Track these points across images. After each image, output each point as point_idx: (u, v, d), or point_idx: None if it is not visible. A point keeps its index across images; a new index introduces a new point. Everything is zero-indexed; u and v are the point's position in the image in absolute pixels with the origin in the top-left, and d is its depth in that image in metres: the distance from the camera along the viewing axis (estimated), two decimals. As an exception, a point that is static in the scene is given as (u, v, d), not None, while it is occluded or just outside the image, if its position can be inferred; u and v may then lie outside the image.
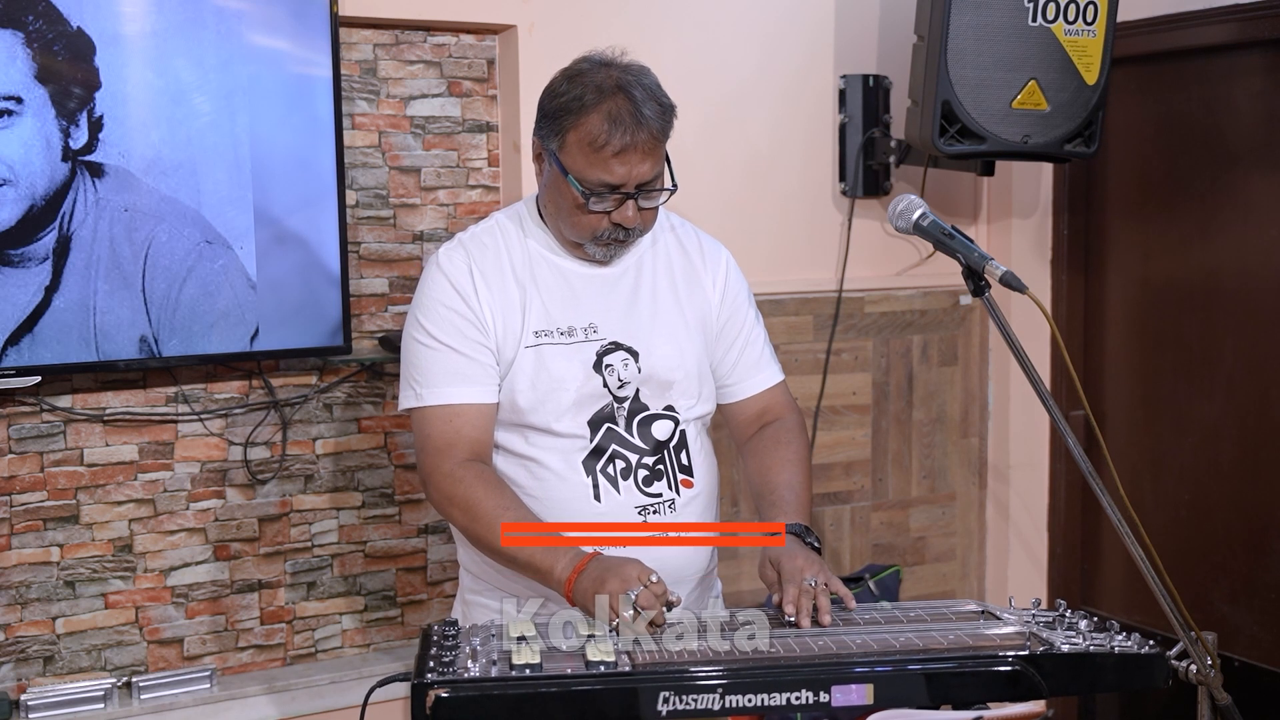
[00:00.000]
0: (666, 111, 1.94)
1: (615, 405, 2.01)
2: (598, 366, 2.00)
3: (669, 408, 2.05)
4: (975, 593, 3.57)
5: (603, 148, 1.88)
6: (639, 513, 2.00)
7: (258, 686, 2.74)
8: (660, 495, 2.02)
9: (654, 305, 2.07)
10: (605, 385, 2.00)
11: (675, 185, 1.99)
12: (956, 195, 3.46)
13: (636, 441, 2.02)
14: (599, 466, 1.99)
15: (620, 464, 2.00)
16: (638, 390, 2.03)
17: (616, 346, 2.02)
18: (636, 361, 2.02)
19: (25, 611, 2.60)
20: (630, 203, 1.93)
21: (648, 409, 2.03)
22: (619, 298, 2.05)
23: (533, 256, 2.03)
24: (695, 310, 2.11)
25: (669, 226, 2.14)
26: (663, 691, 1.57)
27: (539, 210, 2.06)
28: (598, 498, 1.98)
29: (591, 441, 1.99)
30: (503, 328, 1.98)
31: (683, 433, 2.06)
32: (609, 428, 2.00)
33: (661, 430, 2.04)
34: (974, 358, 3.53)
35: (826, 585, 1.82)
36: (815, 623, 1.78)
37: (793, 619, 1.78)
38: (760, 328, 2.21)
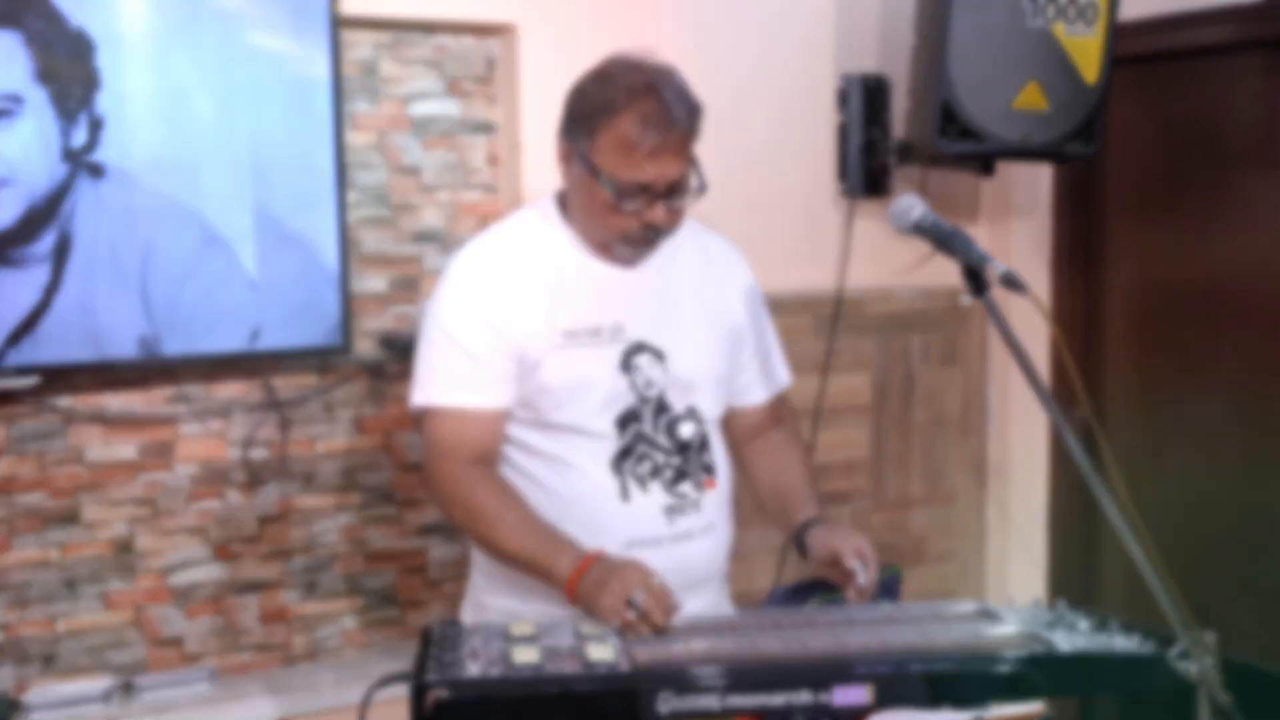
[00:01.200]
0: (695, 111, 1.95)
1: (642, 405, 2.01)
2: (625, 366, 2.00)
3: (692, 409, 2.05)
4: (975, 593, 3.57)
5: (635, 148, 1.88)
6: (665, 512, 2.00)
7: (258, 686, 2.74)
8: (686, 495, 2.03)
9: (678, 307, 2.07)
10: (633, 386, 2.00)
11: (704, 185, 1.99)
12: (956, 195, 3.46)
13: (664, 442, 2.02)
14: (626, 466, 1.99)
15: (648, 464, 2.00)
16: (663, 391, 2.03)
17: (643, 347, 2.02)
18: (662, 363, 2.02)
19: (25, 611, 2.60)
20: (660, 203, 1.94)
21: (674, 409, 2.03)
22: (645, 298, 2.05)
23: (557, 256, 2.03)
24: (719, 317, 2.12)
25: (685, 224, 2.15)
26: (663, 691, 1.57)
27: (562, 210, 2.06)
28: (625, 497, 1.98)
29: (619, 441, 1.99)
30: (525, 329, 1.97)
31: (705, 433, 2.07)
32: (637, 428, 2.00)
33: (687, 430, 2.04)
34: (974, 358, 3.53)
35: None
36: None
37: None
38: (772, 331, 2.24)
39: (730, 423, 2.22)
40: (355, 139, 2.81)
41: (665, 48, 2.60)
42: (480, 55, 2.94)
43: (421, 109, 2.89)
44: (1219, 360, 3.15)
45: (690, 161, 1.96)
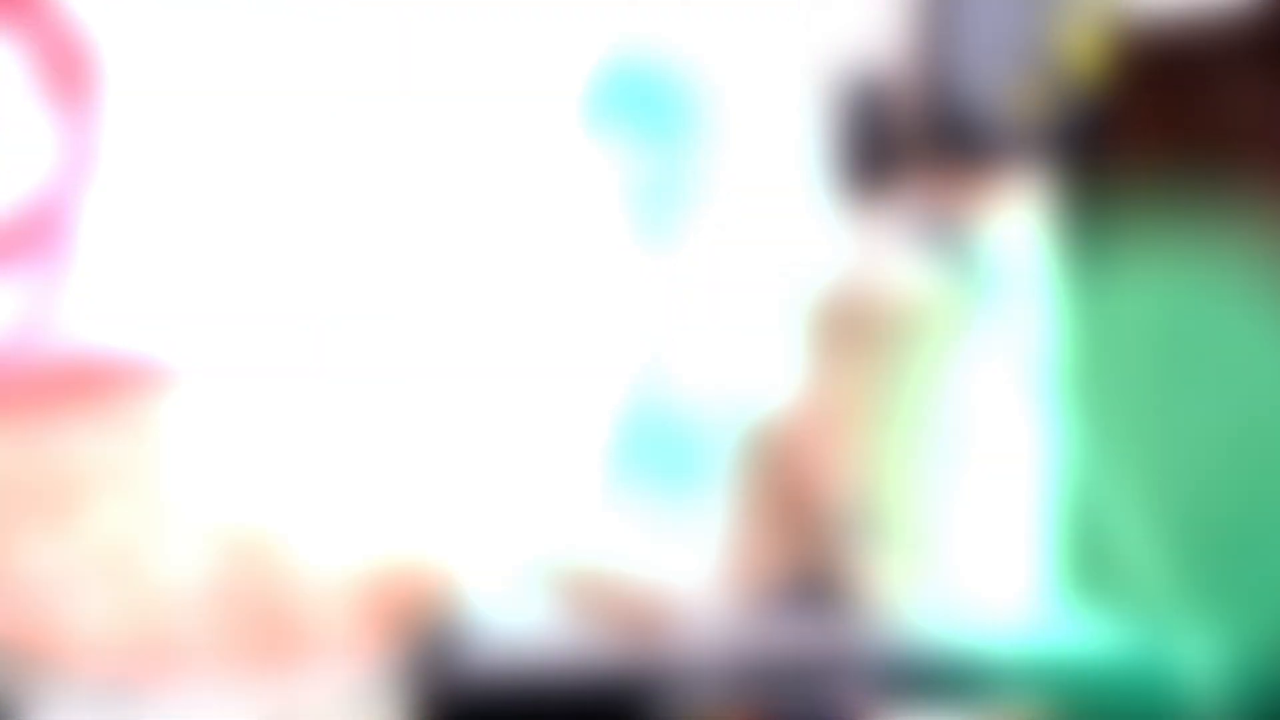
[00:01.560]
0: (700, 109, 1.96)
1: (645, 404, 2.02)
2: (627, 366, 2.01)
3: (697, 408, 2.06)
4: (974, 592, 3.58)
5: None
6: (665, 513, 2.01)
7: (256, 686, 2.74)
8: (687, 495, 2.03)
9: (681, 306, 2.08)
10: (635, 384, 2.01)
11: (707, 184, 2.00)
12: (956, 195, 3.47)
13: (666, 439, 2.03)
14: (627, 464, 2.00)
15: (649, 462, 2.01)
16: (667, 390, 2.03)
17: (646, 346, 2.03)
18: (665, 361, 2.03)
19: (25, 612, 2.61)
20: (663, 202, 1.95)
21: (679, 408, 2.04)
22: (648, 296, 2.06)
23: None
24: (720, 317, 2.13)
25: (687, 222, 2.16)
26: (663, 691, 1.57)
27: None
28: (624, 497, 1.99)
29: (620, 440, 2.00)
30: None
31: (710, 432, 2.07)
32: (639, 426, 2.01)
33: (693, 429, 2.05)
34: (974, 358, 3.54)
35: None
36: None
37: None
38: (772, 331, 2.25)
39: (737, 423, 2.23)
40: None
41: (661, 44, 2.61)
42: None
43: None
44: (1221, 359, 3.16)
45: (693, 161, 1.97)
